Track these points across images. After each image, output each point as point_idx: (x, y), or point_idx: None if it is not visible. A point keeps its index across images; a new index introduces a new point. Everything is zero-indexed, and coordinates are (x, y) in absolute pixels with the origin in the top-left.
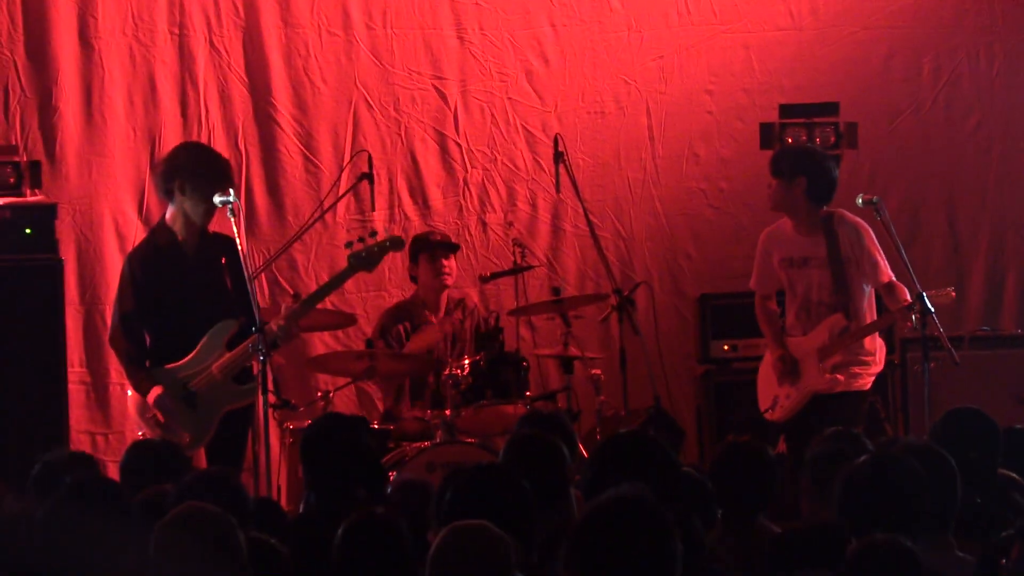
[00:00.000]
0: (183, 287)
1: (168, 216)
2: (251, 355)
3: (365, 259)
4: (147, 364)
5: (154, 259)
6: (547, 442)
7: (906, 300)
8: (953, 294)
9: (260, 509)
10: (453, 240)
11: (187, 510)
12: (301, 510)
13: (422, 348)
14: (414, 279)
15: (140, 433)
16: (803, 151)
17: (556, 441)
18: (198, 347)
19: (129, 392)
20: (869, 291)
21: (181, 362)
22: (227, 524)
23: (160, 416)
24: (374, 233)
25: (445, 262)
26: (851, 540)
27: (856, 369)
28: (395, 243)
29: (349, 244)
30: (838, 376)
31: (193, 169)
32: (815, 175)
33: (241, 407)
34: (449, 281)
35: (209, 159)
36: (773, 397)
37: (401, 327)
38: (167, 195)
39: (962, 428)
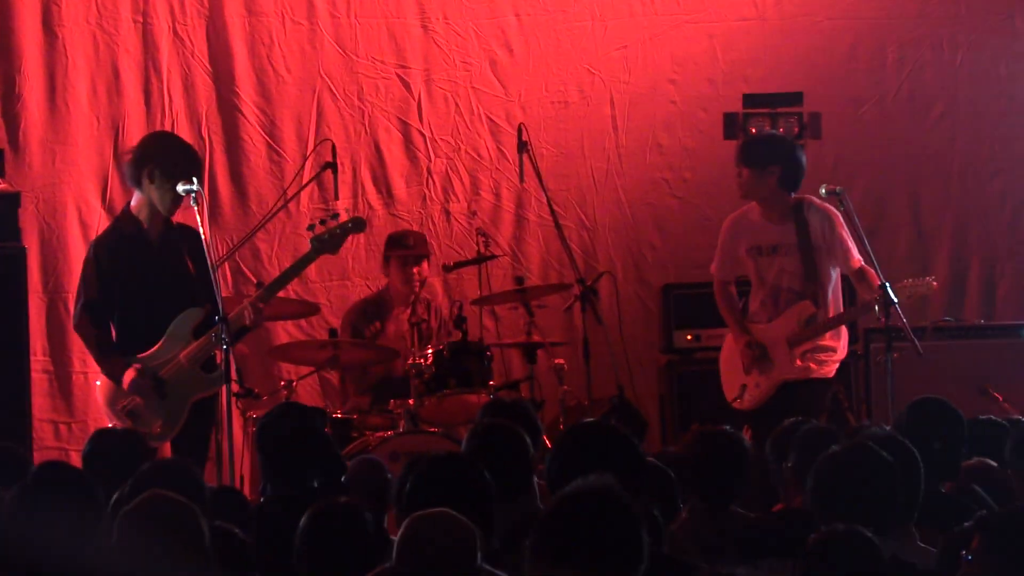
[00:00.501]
0: (147, 276)
1: (133, 205)
2: (216, 344)
3: (328, 241)
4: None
5: (118, 247)
6: (510, 431)
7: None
8: (935, 284)
9: (222, 498)
10: (427, 240)
11: (150, 498)
12: (260, 500)
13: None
14: (387, 275)
15: (110, 424)
16: (775, 139)
17: (519, 430)
18: (164, 337)
19: (97, 383)
20: (836, 277)
21: (148, 352)
22: (190, 512)
23: (138, 398)
24: (336, 215)
25: (416, 269)
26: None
27: (822, 356)
28: (357, 224)
29: (311, 227)
30: (810, 364)
31: (163, 158)
32: (788, 163)
33: (207, 396)
34: (418, 287)
35: (180, 148)
36: (740, 386)
37: (373, 327)
38: (135, 183)
39: (927, 418)
